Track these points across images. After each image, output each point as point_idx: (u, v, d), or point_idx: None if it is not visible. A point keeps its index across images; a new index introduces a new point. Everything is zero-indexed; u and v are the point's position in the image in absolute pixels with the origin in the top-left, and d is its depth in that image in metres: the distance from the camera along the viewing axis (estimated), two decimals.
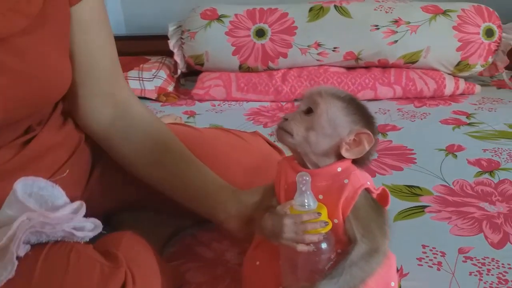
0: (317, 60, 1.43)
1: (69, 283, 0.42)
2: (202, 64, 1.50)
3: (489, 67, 1.43)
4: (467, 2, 1.44)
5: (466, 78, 1.44)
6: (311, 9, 1.44)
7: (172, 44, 1.50)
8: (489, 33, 1.37)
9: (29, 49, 0.53)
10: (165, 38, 1.57)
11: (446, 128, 1.15)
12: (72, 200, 0.49)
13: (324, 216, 0.48)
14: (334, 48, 1.40)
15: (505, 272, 0.62)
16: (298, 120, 0.50)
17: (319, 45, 1.41)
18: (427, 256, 0.66)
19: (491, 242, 0.69)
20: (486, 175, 0.89)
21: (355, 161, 0.52)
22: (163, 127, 0.69)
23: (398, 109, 1.31)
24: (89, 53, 0.62)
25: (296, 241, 0.47)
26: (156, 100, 1.47)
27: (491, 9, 1.41)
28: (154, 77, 1.49)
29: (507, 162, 0.94)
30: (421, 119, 1.23)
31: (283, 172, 0.54)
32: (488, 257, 0.65)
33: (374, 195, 0.52)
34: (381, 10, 1.41)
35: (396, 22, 1.38)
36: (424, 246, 0.68)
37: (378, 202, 0.51)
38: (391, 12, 1.40)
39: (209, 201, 0.65)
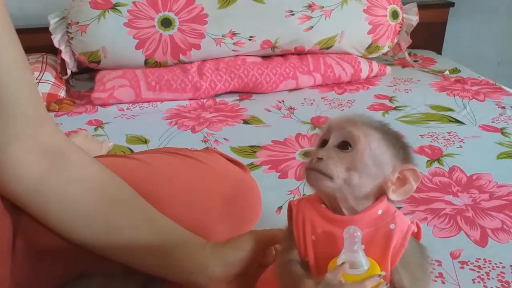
0: (233, 50, 1.31)
1: None
2: (98, 62, 1.27)
3: (393, 48, 1.49)
4: None
5: (373, 60, 1.48)
6: None
7: (57, 40, 1.23)
8: (394, 14, 1.41)
9: None
10: (40, 31, 1.29)
11: (376, 114, 1.16)
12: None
13: (378, 275, 0.40)
14: (250, 37, 1.30)
15: (502, 272, 0.62)
16: (335, 159, 0.40)
17: (234, 34, 1.29)
18: None
19: (474, 240, 0.69)
20: (436, 164, 0.90)
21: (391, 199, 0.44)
22: (112, 179, 0.53)
23: (322, 98, 1.28)
24: None
25: None
26: (47, 109, 1.19)
27: None
28: (39, 82, 1.21)
29: (447, 147, 0.97)
30: (349, 107, 1.22)
31: (308, 220, 0.44)
32: (480, 258, 0.65)
33: (413, 233, 0.45)
34: None
35: (310, 7, 1.33)
36: None
37: (422, 245, 0.45)
38: None
39: (184, 267, 0.52)
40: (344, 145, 0.41)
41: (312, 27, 1.33)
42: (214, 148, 0.78)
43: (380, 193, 0.43)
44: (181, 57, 1.29)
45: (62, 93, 1.24)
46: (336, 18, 1.35)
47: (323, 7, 1.34)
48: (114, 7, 1.24)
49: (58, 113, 1.19)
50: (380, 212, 0.43)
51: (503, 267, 0.63)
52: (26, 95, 0.47)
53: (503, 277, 0.61)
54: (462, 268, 0.63)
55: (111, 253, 0.52)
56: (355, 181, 0.40)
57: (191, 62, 1.30)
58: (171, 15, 1.27)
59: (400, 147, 0.43)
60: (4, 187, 0.49)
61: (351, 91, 1.32)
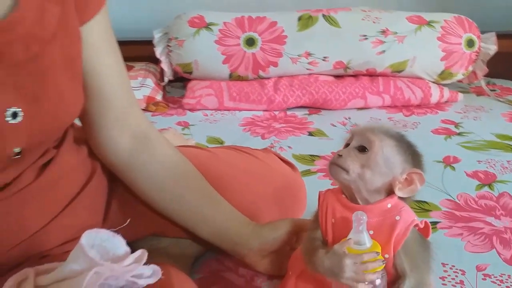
0: (307, 69, 1.44)
1: None
2: (190, 72, 1.48)
3: (469, 75, 1.50)
4: (448, 13, 1.50)
5: (446, 85, 1.51)
6: (300, 18, 1.45)
7: (158, 51, 1.46)
8: (470, 43, 1.44)
9: (45, 73, 0.51)
10: (146, 43, 1.53)
11: (438, 138, 1.20)
12: (92, 227, 0.48)
13: (379, 254, 0.50)
14: (324, 57, 1.42)
15: None
16: (353, 157, 0.51)
17: (309, 54, 1.42)
18: (449, 275, 0.70)
19: (504, 258, 0.73)
20: (486, 188, 0.94)
21: (402, 197, 0.53)
22: (183, 161, 0.68)
23: (388, 118, 1.35)
24: (100, 81, 0.59)
25: (356, 280, 0.48)
26: (146, 109, 1.43)
27: (470, 20, 1.48)
28: (141, 86, 1.44)
29: (503, 174, 0.99)
30: (413, 128, 1.27)
31: (330, 206, 0.55)
32: (504, 274, 0.69)
33: (419, 229, 0.54)
34: (368, 20, 1.44)
35: (384, 32, 1.42)
36: (444, 265, 0.72)
37: (425, 238, 0.53)
38: (379, 23, 1.43)
39: (231, 237, 0.66)
40: (362, 148, 0.52)
41: (384, 51, 1.41)
42: (272, 149, 0.91)
43: (391, 190, 0.52)
44: (260, 72, 1.45)
45: (159, 97, 1.46)
46: (409, 44, 1.41)
47: (396, 33, 1.42)
48: (207, 26, 1.45)
49: (154, 113, 1.41)
50: (389, 206, 0.52)
51: None
52: (121, 89, 0.63)
53: None
54: (484, 279, 0.68)
55: (178, 219, 0.67)
56: (367, 177, 0.51)
57: (268, 78, 1.45)
58: (255, 35, 1.44)
59: (410, 153, 0.52)
60: (105, 159, 0.66)
61: (418, 114, 1.37)
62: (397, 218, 0.51)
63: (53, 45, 0.51)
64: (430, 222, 0.79)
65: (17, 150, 0.50)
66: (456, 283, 0.68)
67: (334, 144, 1.17)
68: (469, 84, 1.59)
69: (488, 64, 1.46)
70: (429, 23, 1.44)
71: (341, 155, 0.52)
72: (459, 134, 1.22)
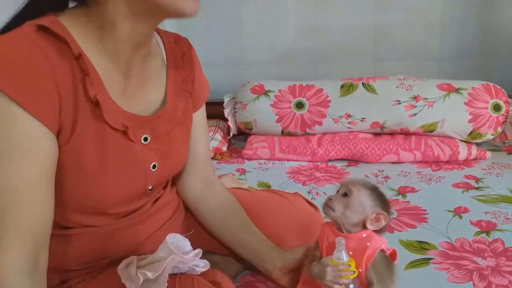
0: (348, 127, 1.71)
1: None
2: (250, 129, 1.81)
3: (500, 135, 1.66)
4: (477, 81, 1.69)
5: (480, 144, 1.68)
6: (342, 86, 1.73)
7: (227, 112, 1.82)
8: (496, 107, 1.61)
9: (172, 141, 0.82)
10: (217, 104, 1.89)
11: (457, 191, 1.38)
12: None
13: (352, 267, 0.74)
14: (362, 118, 1.68)
15: None
16: (338, 200, 0.77)
17: (349, 116, 1.69)
18: None
19: None
20: (483, 235, 1.11)
21: (375, 230, 0.78)
22: (234, 201, 0.96)
23: (417, 172, 1.55)
24: (195, 143, 0.91)
25: (334, 282, 0.73)
26: (213, 158, 1.77)
27: (498, 87, 1.66)
28: (211, 139, 1.80)
29: (503, 224, 1.16)
30: (436, 182, 1.46)
31: (325, 234, 0.80)
32: None
33: (387, 254, 0.77)
34: (402, 88, 1.68)
35: (415, 98, 1.65)
36: None
37: (389, 259, 0.76)
38: (411, 90, 1.67)
39: (261, 257, 0.91)
40: (345, 194, 0.77)
41: (415, 114, 1.64)
42: (300, 193, 1.17)
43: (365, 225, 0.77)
44: (307, 130, 1.74)
45: (224, 148, 1.80)
46: (438, 108, 1.63)
47: (427, 99, 1.64)
48: (265, 93, 1.78)
49: (220, 161, 1.75)
50: (364, 235, 0.77)
51: None
52: (204, 151, 0.94)
53: None
54: None
55: (224, 241, 0.95)
56: (347, 214, 0.76)
57: (314, 134, 1.73)
58: (304, 100, 1.74)
59: (380, 200, 0.77)
60: (184, 197, 0.97)
61: (445, 170, 1.56)
62: (368, 244, 0.76)
63: (178, 126, 0.83)
64: (425, 258, 1.02)
65: (150, 187, 0.80)
66: None
67: None
68: (503, 143, 1.74)
69: None
70: (457, 90, 1.65)
71: (331, 199, 0.78)
72: (477, 188, 1.39)
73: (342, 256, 0.74)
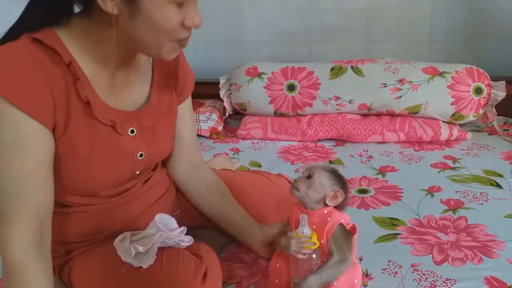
0: (336, 109, 1.79)
1: (180, 268, 0.80)
2: (245, 110, 1.90)
3: (481, 117, 1.74)
4: (461, 64, 1.75)
5: (464, 124, 1.75)
6: (332, 69, 1.81)
7: (222, 93, 1.91)
8: (478, 91, 1.68)
9: (157, 132, 0.92)
10: (215, 84, 1.98)
11: (433, 171, 1.47)
12: None
13: (314, 239, 0.85)
14: (350, 100, 1.76)
15: (436, 279, 0.95)
16: (302, 182, 0.87)
17: (338, 98, 1.77)
18: (389, 267, 1.00)
19: (435, 261, 1.01)
20: (450, 212, 1.21)
21: (336, 207, 0.88)
22: (219, 183, 1.07)
23: (400, 152, 1.64)
24: (181, 132, 1.02)
25: (297, 252, 0.84)
26: (209, 137, 1.87)
27: (481, 70, 1.72)
28: (208, 119, 1.90)
29: (470, 202, 1.25)
30: (416, 162, 1.55)
31: (294, 211, 0.91)
32: (429, 270, 0.98)
33: (347, 227, 0.87)
34: (389, 71, 1.75)
35: (401, 81, 1.72)
36: (389, 261, 1.02)
37: (349, 232, 0.87)
38: (397, 73, 1.74)
39: (243, 232, 1.02)
40: (309, 176, 0.88)
41: (400, 96, 1.71)
42: (283, 174, 1.27)
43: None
44: (298, 111, 1.83)
45: (220, 128, 1.90)
46: (422, 91, 1.70)
47: (411, 82, 1.71)
48: (259, 75, 1.86)
49: (215, 140, 1.85)
50: (325, 212, 0.87)
51: (440, 277, 0.96)
52: (191, 139, 1.04)
53: (434, 282, 0.94)
54: (413, 272, 0.98)
55: (211, 217, 1.06)
56: (309, 193, 0.86)
57: (304, 115, 1.82)
58: (295, 82, 1.82)
59: (337, 180, 0.87)
60: (174, 178, 1.07)
61: (427, 150, 1.64)
62: (328, 219, 0.86)
63: (163, 118, 0.93)
64: (393, 233, 1.12)
65: (138, 172, 0.90)
66: (392, 272, 0.99)
67: (346, 171, 1.49)
68: (486, 124, 1.81)
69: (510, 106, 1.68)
70: (441, 74, 1.72)
71: (296, 181, 0.88)
72: (452, 168, 1.48)
73: (304, 230, 0.85)
